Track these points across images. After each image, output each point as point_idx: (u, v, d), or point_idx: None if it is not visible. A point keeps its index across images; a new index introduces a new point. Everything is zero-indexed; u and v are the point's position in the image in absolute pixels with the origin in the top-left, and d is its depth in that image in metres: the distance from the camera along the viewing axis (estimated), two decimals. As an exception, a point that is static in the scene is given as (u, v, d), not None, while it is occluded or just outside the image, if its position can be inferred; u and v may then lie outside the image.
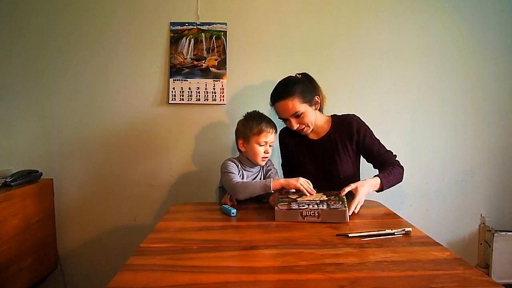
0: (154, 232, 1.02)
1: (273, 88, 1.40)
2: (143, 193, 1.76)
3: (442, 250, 0.88)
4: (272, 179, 1.26)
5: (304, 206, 1.11)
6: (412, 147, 1.81)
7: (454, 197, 1.83)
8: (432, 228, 1.65)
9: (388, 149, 1.41)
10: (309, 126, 1.39)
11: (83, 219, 1.76)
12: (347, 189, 1.22)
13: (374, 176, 1.30)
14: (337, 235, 0.97)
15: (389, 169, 1.33)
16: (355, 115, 1.44)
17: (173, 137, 1.76)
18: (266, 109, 1.44)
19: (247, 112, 1.41)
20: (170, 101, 1.72)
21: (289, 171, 1.53)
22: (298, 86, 1.35)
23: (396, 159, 1.40)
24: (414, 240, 0.95)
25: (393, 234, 0.97)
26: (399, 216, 1.17)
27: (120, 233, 1.76)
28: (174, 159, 1.76)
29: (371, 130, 1.42)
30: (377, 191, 1.31)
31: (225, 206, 1.20)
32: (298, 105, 1.33)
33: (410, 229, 0.99)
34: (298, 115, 1.35)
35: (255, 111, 1.42)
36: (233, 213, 1.15)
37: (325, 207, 1.09)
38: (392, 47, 1.77)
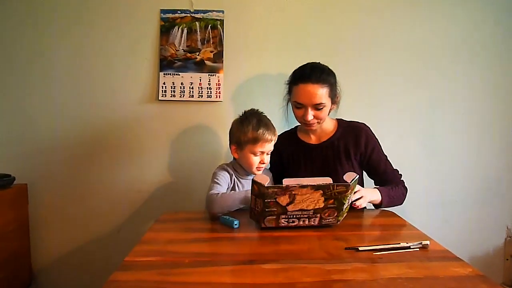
0: (140, 244, 1.02)
1: (301, 66, 1.39)
2: (129, 200, 1.76)
3: (464, 265, 0.88)
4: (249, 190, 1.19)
5: (293, 221, 1.09)
6: (430, 150, 1.81)
7: (477, 207, 1.83)
8: (452, 241, 1.64)
9: (394, 168, 1.43)
10: (319, 123, 1.40)
11: (61, 230, 1.76)
12: (354, 198, 1.21)
13: (374, 188, 1.33)
14: (345, 248, 0.97)
15: (392, 186, 1.36)
16: (366, 125, 1.46)
17: (163, 137, 1.76)
18: (266, 107, 1.43)
19: (244, 111, 1.39)
20: (160, 98, 1.73)
21: (278, 181, 1.52)
22: (332, 77, 1.37)
23: (402, 179, 1.42)
24: (432, 254, 0.95)
25: (409, 247, 0.97)
26: (415, 227, 1.18)
27: (103, 245, 1.76)
28: (164, 162, 1.77)
29: (380, 145, 1.44)
30: (376, 206, 1.32)
31: (225, 216, 1.19)
32: (326, 97, 1.34)
33: (427, 242, 0.99)
34: (319, 108, 1.34)
35: (254, 110, 1.39)
36: (235, 224, 1.14)
37: (316, 222, 1.10)
38: (407, 40, 1.77)
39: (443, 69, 1.79)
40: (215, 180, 1.32)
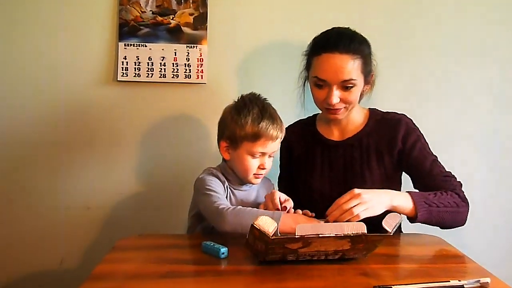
0: (91, 280, 1.01)
1: (325, 32, 1.40)
2: (75, 219, 1.76)
3: (537, 311, 0.88)
4: (282, 212, 1.22)
5: (305, 258, 1.09)
6: (491, 158, 1.84)
7: (554, 232, 1.85)
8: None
9: (447, 171, 1.41)
10: (347, 108, 1.40)
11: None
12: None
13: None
14: (374, 287, 0.97)
15: (440, 191, 1.31)
16: (407, 116, 1.47)
17: (123, 133, 1.76)
18: (267, 92, 1.43)
19: (241, 96, 1.39)
20: (120, 78, 1.73)
21: (288, 189, 1.53)
22: (366, 47, 1.39)
23: (460, 188, 1.38)
24: (494, 296, 0.95)
25: (462, 287, 0.97)
26: (470, 259, 1.18)
27: (40, 282, 1.76)
28: (124, 167, 1.77)
29: (425, 141, 1.44)
30: (411, 221, 1.29)
31: (208, 243, 1.19)
32: (357, 72, 1.35)
33: (487, 279, 0.99)
34: (348, 86, 1.35)
35: (255, 95, 1.39)
36: (223, 253, 1.14)
37: (336, 257, 1.10)
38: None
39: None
40: (210, 188, 1.31)
